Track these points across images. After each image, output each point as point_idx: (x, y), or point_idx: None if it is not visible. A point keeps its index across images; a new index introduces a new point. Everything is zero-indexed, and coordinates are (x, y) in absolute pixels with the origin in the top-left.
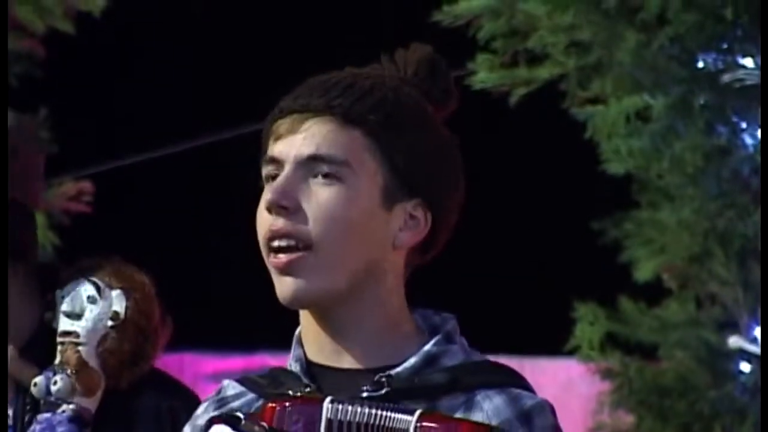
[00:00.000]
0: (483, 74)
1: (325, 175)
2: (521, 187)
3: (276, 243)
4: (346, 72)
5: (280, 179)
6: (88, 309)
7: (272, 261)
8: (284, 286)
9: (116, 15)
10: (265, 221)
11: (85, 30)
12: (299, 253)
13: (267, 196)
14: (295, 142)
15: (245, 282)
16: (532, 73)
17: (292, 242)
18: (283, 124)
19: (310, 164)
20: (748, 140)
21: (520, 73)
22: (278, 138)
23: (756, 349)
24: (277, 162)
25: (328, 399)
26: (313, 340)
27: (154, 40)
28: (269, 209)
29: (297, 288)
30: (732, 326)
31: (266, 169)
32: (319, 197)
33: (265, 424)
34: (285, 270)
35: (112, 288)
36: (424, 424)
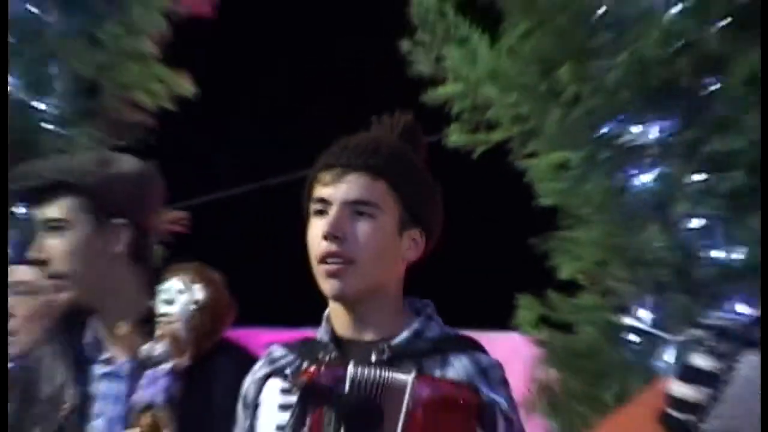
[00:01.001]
0: (455, 137)
1: (362, 213)
2: (485, 215)
3: (329, 260)
4: (368, 136)
5: (332, 216)
6: (178, 298)
7: (324, 268)
8: (332, 286)
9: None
10: (319, 244)
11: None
12: (344, 266)
13: (324, 227)
14: (340, 188)
15: (293, 275)
16: (489, 136)
17: (340, 260)
18: (328, 175)
19: (353, 206)
20: (637, 182)
21: (481, 137)
22: (325, 184)
23: (640, 324)
24: (326, 202)
25: (351, 363)
26: (339, 319)
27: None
28: (325, 237)
29: (341, 288)
30: (625, 310)
31: (314, 206)
32: (360, 230)
33: (305, 378)
34: (333, 276)
35: (194, 283)
36: (420, 380)
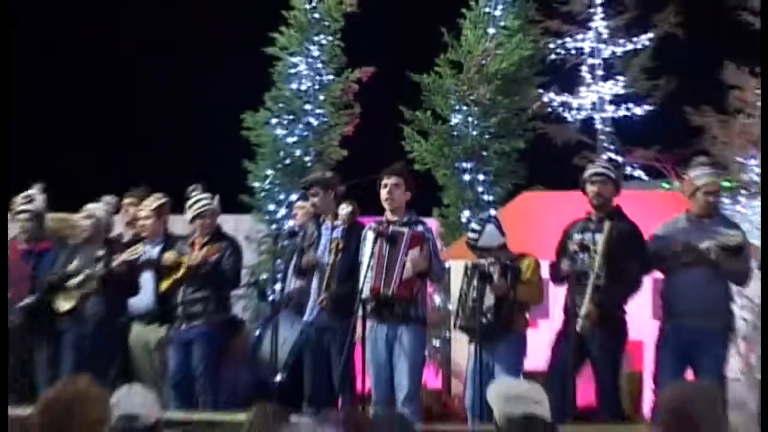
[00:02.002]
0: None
1: (398, 188)
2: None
3: (387, 200)
4: (399, 165)
5: (392, 193)
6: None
7: (386, 204)
8: (388, 206)
9: None
10: (384, 196)
11: None
12: (393, 201)
13: (384, 194)
14: (392, 180)
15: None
16: None
17: (392, 198)
18: (388, 177)
19: (396, 189)
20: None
21: None
22: (386, 179)
23: None
24: (387, 187)
25: (391, 225)
26: (388, 214)
27: None
28: (386, 193)
29: (391, 208)
30: None
31: (383, 190)
32: (400, 197)
33: (380, 229)
34: (389, 204)
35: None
36: (409, 231)
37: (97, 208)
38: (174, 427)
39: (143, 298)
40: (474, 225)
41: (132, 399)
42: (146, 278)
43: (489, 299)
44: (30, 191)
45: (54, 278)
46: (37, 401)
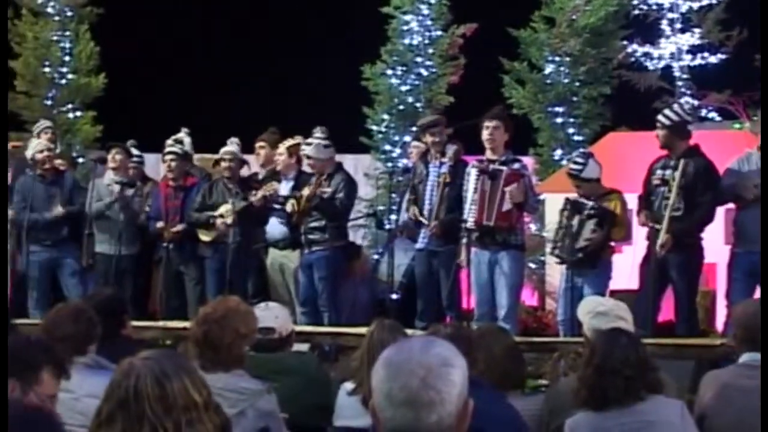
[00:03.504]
0: None
1: (498, 130)
2: None
3: (487, 139)
4: (498, 109)
5: (493, 134)
6: None
7: (487, 144)
8: (489, 149)
9: None
10: (487, 142)
11: None
12: (493, 140)
13: (485, 133)
14: (492, 123)
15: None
16: None
17: (493, 138)
18: (489, 120)
19: (497, 131)
20: None
21: None
22: (487, 122)
23: None
24: (488, 129)
25: (491, 164)
26: (488, 152)
27: None
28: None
29: (494, 149)
30: None
31: (485, 131)
32: (500, 138)
33: (482, 166)
34: (488, 143)
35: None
36: (507, 168)
37: (233, 149)
38: (304, 338)
39: (277, 227)
40: (577, 158)
41: (269, 314)
42: (280, 209)
43: (584, 238)
44: (178, 135)
45: (198, 213)
46: (194, 316)
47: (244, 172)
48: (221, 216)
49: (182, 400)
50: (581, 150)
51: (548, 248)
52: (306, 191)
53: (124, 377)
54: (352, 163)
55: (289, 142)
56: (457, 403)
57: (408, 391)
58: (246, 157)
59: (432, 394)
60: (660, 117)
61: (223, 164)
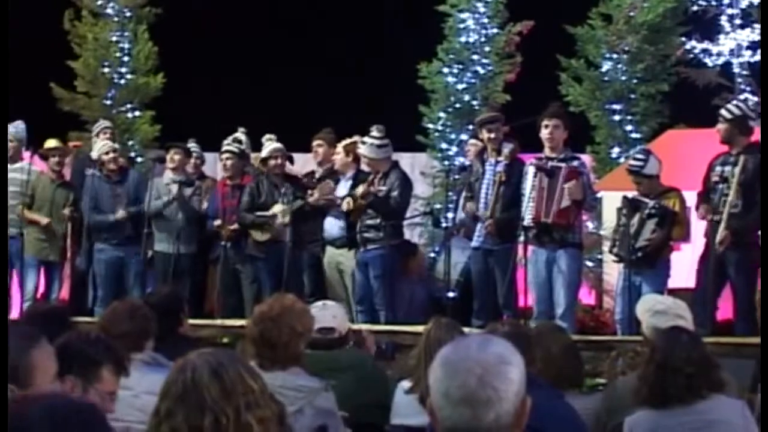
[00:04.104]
0: None
1: (557, 128)
2: None
3: (546, 136)
4: (557, 108)
5: (552, 133)
6: None
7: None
8: (548, 147)
9: None
10: (546, 141)
11: None
12: (553, 139)
13: (545, 134)
14: (552, 122)
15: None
16: None
17: (552, 137)
18: (549, 119)
19: (556, 129)
20: None
21: None
22: (546, 121)
23: None
24: (548, 128)
25: (550, 161)
26: (546, 151)
27: None
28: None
29: (553, 147)
30: None
31: (545, 130)
32: (559, 136)
33: (539, 164)
34: (548, 142)
35: None
36: (566, 165)
37: (281, 146)
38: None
39: (335, 225)
40: (638, 155)
41: (327, 314)
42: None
43: (644, 238)
44: (236, 134)
45: (250, 213)
46: (251, 315)
47: (294, 169)
48: (275, 216)
49: (240, 387)
50: (641, 147)
51: (606, 246)
52: (360, 189)
53: (180, 372)
54: (408, 161)
55: (347, 141)
56: (514, 401)
57: (465, 389)
58: (302, 156)
59: (489, 392)
60: (722, 111)
61: (272, 162)
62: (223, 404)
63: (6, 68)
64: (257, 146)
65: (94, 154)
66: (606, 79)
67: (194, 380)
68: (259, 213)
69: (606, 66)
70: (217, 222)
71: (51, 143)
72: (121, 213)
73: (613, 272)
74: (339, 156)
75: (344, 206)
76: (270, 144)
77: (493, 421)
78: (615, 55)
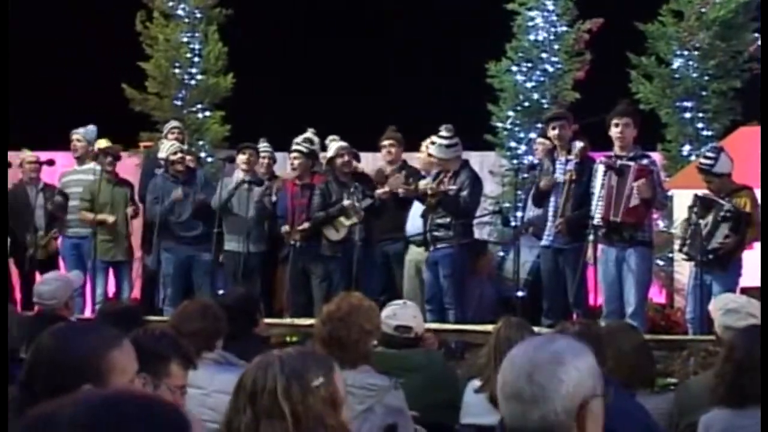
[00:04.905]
0: None
1: (628, 127)
2: None
3: (617, 136)
4: (628, 106)
5: (623, 132)
6: None
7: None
8: (618, 146)
9: None
10: (617, 140)
11: None
12: (623, 138)
13: (616, 132)
14: (623, 120)
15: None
16: None
17: (623, 135)
18: (619, 117)
19: (627, 128)
20: None
21: None
22: (617, 119)
23: None
24: (619, 126)
25: (619, 159)
26: (617, 149)
27: None
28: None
29: (623, 146)
30: None
31: (615, 129)
32: (630, 135)
33: (609, 162)
34: (619, 139)
35: None
36: (635, 164)
37: (345, 143)
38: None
39: (414, 223)
40: (708, 152)
41: (407, 313)
42: (417, 206)
43: (717, 241)
44: (306, 134)
45: (322, 213)
46: (318, 314)
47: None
48: (346, 209)
49: (318, 395)
50: (712, 145)
51: (677, 245)
52: (430, 187)
53: (259, 369)
54: (477, 160)
55: (428, 141)
56: (565, 402)
57: (512, 385)
58: (369, 155)
59: (535, 389)
60: None
61: (339, 160)
62: (296, 406)
63: (6, 68)
64: (324, 147)
65: (162, 155)
66: (677, 76)
67: (267, 381)
68: (332, 211)
69: (677, 63)
70: (285, 228)
71: (102, 143)
72: (176, 193)
73: (684, 271)
74: (422, 155)
75: (428, 190)
76: (334, 143)
77: (539, 420)
78: (686, 52)
